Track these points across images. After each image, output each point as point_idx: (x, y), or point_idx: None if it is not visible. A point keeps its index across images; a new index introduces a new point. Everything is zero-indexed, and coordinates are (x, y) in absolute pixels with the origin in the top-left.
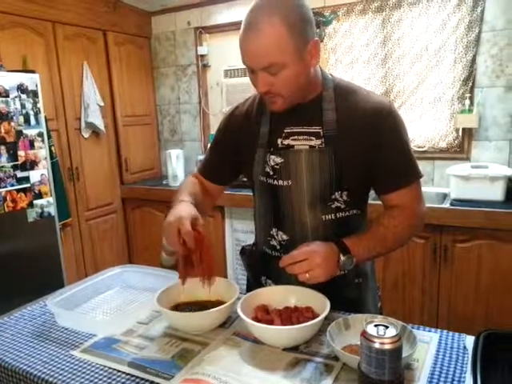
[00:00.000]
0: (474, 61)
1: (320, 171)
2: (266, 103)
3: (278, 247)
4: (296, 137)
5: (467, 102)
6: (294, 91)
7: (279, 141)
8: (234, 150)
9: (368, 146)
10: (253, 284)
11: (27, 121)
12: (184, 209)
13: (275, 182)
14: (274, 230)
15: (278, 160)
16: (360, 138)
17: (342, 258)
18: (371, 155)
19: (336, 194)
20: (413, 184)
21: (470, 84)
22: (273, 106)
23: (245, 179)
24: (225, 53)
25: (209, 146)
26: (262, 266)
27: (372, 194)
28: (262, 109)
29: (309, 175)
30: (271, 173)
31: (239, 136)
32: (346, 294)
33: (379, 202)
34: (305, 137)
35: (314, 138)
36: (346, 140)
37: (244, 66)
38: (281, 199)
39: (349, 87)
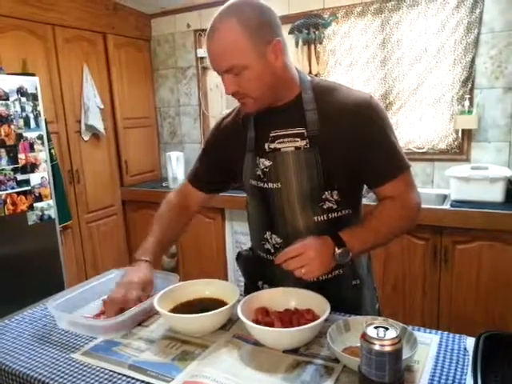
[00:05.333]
0: (473, 62)
1: (307, 171)
2: (240, 107)
3: (273, 251)
4: (281, 140)
5: (467, 103)
6: (261, 91)
7: (266, 145)
8: (224, 159)
9: (352, 141)
10: (250, 289)
11: (27, 124)
12: (136, 273)
13: (265, 185)
14: (267, 233)
15: (267, 163)
16: (344, 135)
17: (338, 250)
18: (357, 151)
19: (326, 193)
20: (402, 175)
21: (470, 85)
22: (244, 108)
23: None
24: None
25: (199, 155)
26: (258, 271)
27: (372, 197)
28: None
29: (297, 176)
30: (261, 176)
31: (228, 144)
32: (344, 295)
33: (375, 204)
34: (290, 139)
35: (298, 139)
36: (331, 138)
37: None
38: (272, 202)
39: (328, 86)
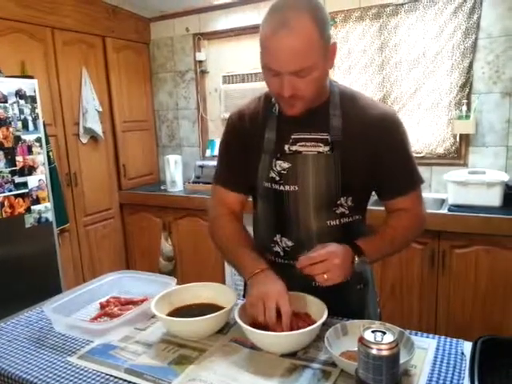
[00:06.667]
0: (470, 67)
1: (326, 176)
2: (283, 107)
3: (282, 254)
4: (304, 143)
5: (464, 108)
6: (316, 93)
7: (286, 147)
8: (244, 154)
9: (373, 152)
10: None
11: (25, 126)
12: (274, 287)
13: (281, 187)
14: (277, 236)
15: (285, 165)
16: (366, 144)
17: (357, 259)
18: (376, 162)
19: (342, 199)
20: (416, 190)
21: (467, 90)
22: (292, 111)
23: None
24: (223, 59)
25: (218, 154)
26: None
27: (371, 199)
28: (268, 113)
29: (315, 180)
30: (277, 178)
31: (247, 140)
32: (349, 300)
33: (378, 208)
34: (313, 143)
35: (322, 145)
36: (352, 146)
37: (242, 72)
38: (286, 205)
39: (353, 94)
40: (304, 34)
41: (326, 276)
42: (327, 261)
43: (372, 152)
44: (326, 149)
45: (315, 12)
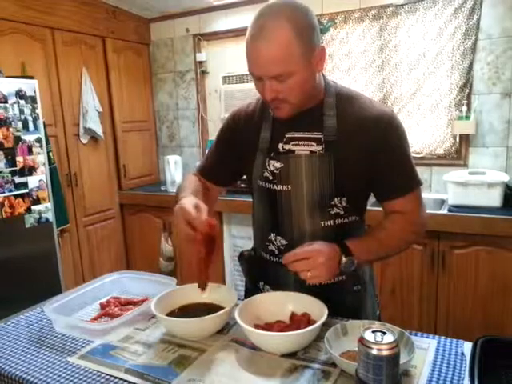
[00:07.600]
0: (470, 68)
1: (320, 177)
2: (272, 110)
3: (277, 252)
4: (297, 142)
5: (464, 108)
6: (300, 97)
7: (280, 146)
8: (236, 152)
9: (369, 153)
10: (250, 289)
11: (26, 126)
12: (186, 200)
13: (274, 186)
14: (272, 235)
15: (278, 165)
16: (361, 144)
17: (344, 259)
18: (372, 162)
19: (335, 200)
20: (414, 191)
21: (467, 91)
22: (279, 113)
23: (243, 185)
24: (223, 59)
25: (210, 146)
26: (260, 272)
27: (370, 200)
28: (265, 114)
29: (308, 180)
30: (270, 177)
31: (241, 138)
32: (345, 301)
33: (377, 209)
34: (305, 142)
35: (314, 144)
36: (347, 146)
37: (242, 73)
38: (280, 204)
39: (351, 94)
40: (281, 42)
41: (309, 274)
42: (311, 259)
43: (368, 152)
44: (319, 148)
45: (295, 19)
